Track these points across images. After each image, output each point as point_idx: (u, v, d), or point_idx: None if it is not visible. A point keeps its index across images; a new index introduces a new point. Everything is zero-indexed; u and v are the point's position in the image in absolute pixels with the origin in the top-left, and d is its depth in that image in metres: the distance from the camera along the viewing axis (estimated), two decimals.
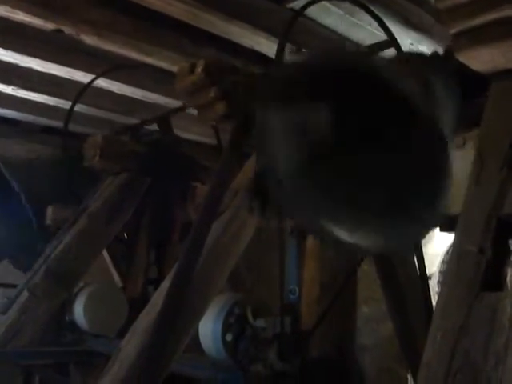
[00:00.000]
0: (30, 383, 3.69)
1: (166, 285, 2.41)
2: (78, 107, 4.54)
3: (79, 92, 3.95)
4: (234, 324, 2.67)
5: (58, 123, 4.87)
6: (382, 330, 4.98)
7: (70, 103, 4.43)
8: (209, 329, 2.67)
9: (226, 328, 2.66)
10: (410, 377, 5.26)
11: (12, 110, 4.87)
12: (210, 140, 4.53)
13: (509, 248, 1.70)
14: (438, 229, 4.76)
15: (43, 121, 5.05)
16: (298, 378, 2.60)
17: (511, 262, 1.68)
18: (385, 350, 5.02)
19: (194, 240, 2.36)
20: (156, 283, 3.87)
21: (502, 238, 1.71)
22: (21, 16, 3.47)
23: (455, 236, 1.81)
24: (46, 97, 4.54)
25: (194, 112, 4.24)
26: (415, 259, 3.10)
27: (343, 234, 1.63)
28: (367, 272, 3.11)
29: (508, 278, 1.65)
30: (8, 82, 4.41)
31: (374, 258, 3.13)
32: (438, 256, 5.32)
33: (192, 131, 4.81)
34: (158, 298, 2.41)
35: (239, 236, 2.57)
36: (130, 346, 2.34)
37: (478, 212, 1.78)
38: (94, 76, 4.15)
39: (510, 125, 1.89)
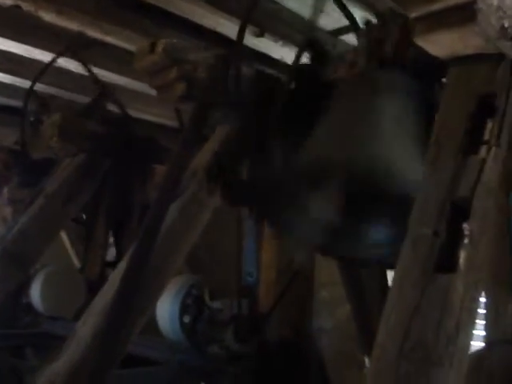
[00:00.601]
0: None
1: (123, 266, 2.39)
2: (37, 86, 4.46)
3: (40, 71, 3.86)
4: (192, 305, 2.67)
5: (15, 102, 4.79)
6: (340, 313, 5.02)
7: (28, 82, 4.34)
8: (166, 310, 2.66)
9: (183, 309, 2.66)
10: (367, 359, 5.36)
11: None
12: (172, 122, 4.50)
13: (462, 231, 1.72)
14: None
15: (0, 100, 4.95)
16: (255, 359, 2.62)
17: (464, 244, 1.70)
18: (343, 333, 5.06)
19: (151, 221, 2.34)
20: (114, 265, 3.83)
21: (456, 222, 1.74)
22: None
23: (411, 219, 1.83)
24: (2, 75, 4.45)
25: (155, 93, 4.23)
26: None
27: None
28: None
29: (461, 260, 1.67)
30: None
31: None
32: None
33: (152, 113, 4.77)
34: (115, 278, 2.39)
35: (197, 218, 2.56)
36: (87, 326, 2.31)
37: (433, 196, 1.80)
38: (52, 54, 4.07)
39: (466, 110, 1.92)
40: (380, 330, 1.66)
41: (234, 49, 2.61)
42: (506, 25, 1.93)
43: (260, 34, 3.89)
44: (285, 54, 4.10)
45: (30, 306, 3.56)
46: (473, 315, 1.70)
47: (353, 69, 2.54)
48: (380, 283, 3.11)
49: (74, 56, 3.87)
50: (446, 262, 1.68)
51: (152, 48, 2.54)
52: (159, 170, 3.62)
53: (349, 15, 2.98)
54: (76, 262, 4.34)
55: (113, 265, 3.88)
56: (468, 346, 1.68)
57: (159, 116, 4.81)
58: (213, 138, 2.71)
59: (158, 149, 3.93)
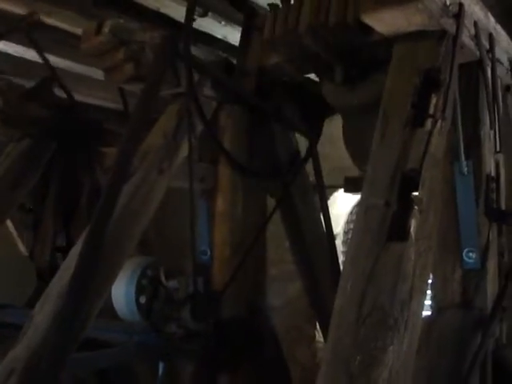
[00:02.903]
0: None
1: (77, 249, 2.39)
2: None
3: None
4: (147, 286, 2.70)
5: None
6: (290, 290, 5.15)
7: None
8: (122, 292, 2.68)
9: (139, 290, 2.69)
10: (317, 333, 5.50)
11: None
12: (116, 105, 4.48)
13: (412, 201, 1.81)
14: (342, 190, 4.92)
15: None
16: (211, 336, 2.67)
17: (414, 213, 1.79)
18: (293, 309, 5.20)
19: (104, 203, 2.35)
20: (65, 251, 3.81)
21: (406, 192, 1.82)
22: None
23: (362, 190, 1.91)
24: None
25: (99, 77, 4.20)
26: (322, 219, 3.23)
27: None
28: (275, 233, 3.21)
29: (412, 229, 1.76)
30: None
31: (281, 218, 3.24)
32: (342, 216, 5.53)
33: (97, 96, 4.73)
34: (70, 262, 2.39)
35: (149, 199, 2.58)
36: (44, 311, 2.32)
37: (383, 167, 1.89)
38: None
39: (411, 85, 2.01)
40: (337, 297, 1.74)
41: (183, 29, 2.62)
42: (448, 2, 2.02)
43: (203, 14, 3.91)
44: (227, 33, 4.14)
45: None
46: (425, 280, 1.79)
47: None
48: (330, 257, 3.19)
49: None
50: (397, 231, 1.77)
51: (98, 29, 2.53)
52: (109, 151, 3.61)
53: None
54: (23, 250, 4.28)
55: (63, 250, 3.87)
56: (421, 309, 1.77)
57: (103, 99, 4.78)
58: (162, 118, 2.73)
59: (103, 132, 3.91)
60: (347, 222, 5.62)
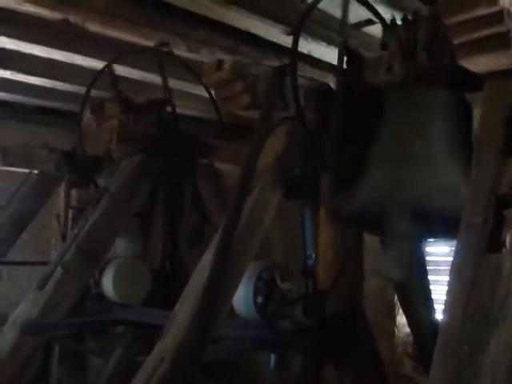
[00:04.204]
0: (49, 353, 4.21)
1: (207, 257, 2.95)
2: (75, 88, 5.01)
3: (94, 77, 4.36)
4: (263, 288, 3.24)
5: (52, 104, 5.37)
6: (369, 287, 5.64)
7: (67, 85, 4.90)
8: (241, 294, 3.22)
9: (256, 292, 3.22)
10: (396, 329, 5.99)
11: (7, 92, 5.31)
12: (209, 115, 5.05)
13: (505, 218, 2.31)
14: None
15: (37, 102, 5.48)
16: (319, 331, 3.19)
17: (508, 228, 2.29)
18: (373, 305, 5.68)
19: (231, 217, 2.88)
20: (171, 255, 4.41)
21: (500, 211, 2.32)
22: (27, 7, 3.91)
23: (463, 209, 2.41)
24: (45, 80, 4.98)
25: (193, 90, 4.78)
26: None
27: None
28: None
29: (507, 242, 2.26)
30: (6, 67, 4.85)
31: None
32: None
33: (192, 107, 5.32)
34: (202, 268, 2.95)
35: (265, 213, 3.12)
36: (183, 311, 2.87)
37: (480, 190, 2.39)
38: (93, 59, 4.63)
39: (502, 118, 2.49)
40: (447, 298, 2.26)
41: (289, 62, 3.11)
42: None
43: (291, 33, 4.44)
44: (312, 48, 4.66)
45: (100, 296, 4.12)
46: None
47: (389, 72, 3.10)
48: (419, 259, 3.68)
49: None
50: (494, 244, 2.27)
51: (219, 65, 3.08)
52: (228, 171, 4.16)
53: (375, 12, 3.50)
54: None
55: (170, 255, 4.46)
56: None
57: (198, 110, 5.37)
58: (272, 140, 3.25)
59: (202, 144, 4.48)
60: None
